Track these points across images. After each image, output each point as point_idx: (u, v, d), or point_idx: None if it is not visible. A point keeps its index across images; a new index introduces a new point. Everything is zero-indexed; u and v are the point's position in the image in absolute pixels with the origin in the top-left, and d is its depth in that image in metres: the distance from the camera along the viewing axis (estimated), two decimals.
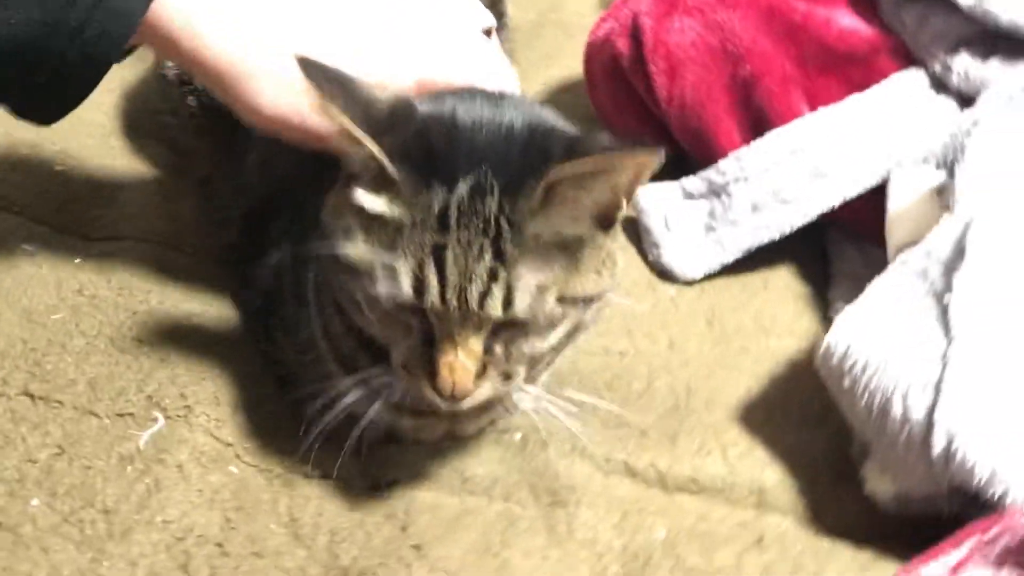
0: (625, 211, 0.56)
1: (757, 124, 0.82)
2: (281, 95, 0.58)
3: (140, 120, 0.88)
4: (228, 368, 0.66)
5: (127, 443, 0.60)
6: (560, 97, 1.02)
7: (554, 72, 1.05)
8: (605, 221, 0.55)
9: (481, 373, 0.53)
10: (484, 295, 0.50)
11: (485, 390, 0.54)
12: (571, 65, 1.02)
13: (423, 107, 0.55)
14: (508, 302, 0.51)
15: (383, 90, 0.54)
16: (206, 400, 0.63)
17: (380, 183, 0.52)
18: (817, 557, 0.60)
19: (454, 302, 0.50)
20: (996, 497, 0.55)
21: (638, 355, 0.75)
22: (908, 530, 0.61)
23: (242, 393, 0.66)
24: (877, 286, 0.66)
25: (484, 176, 0.51)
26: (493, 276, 0.50)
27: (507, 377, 0.55)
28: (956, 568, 0.41)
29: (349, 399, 0.59)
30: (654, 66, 0.83)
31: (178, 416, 0.62)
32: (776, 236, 0.79)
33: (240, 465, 0.61)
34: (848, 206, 0.79)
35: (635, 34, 0.85)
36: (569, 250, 0.53)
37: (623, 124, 0.90)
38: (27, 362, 0.63)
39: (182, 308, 0.70)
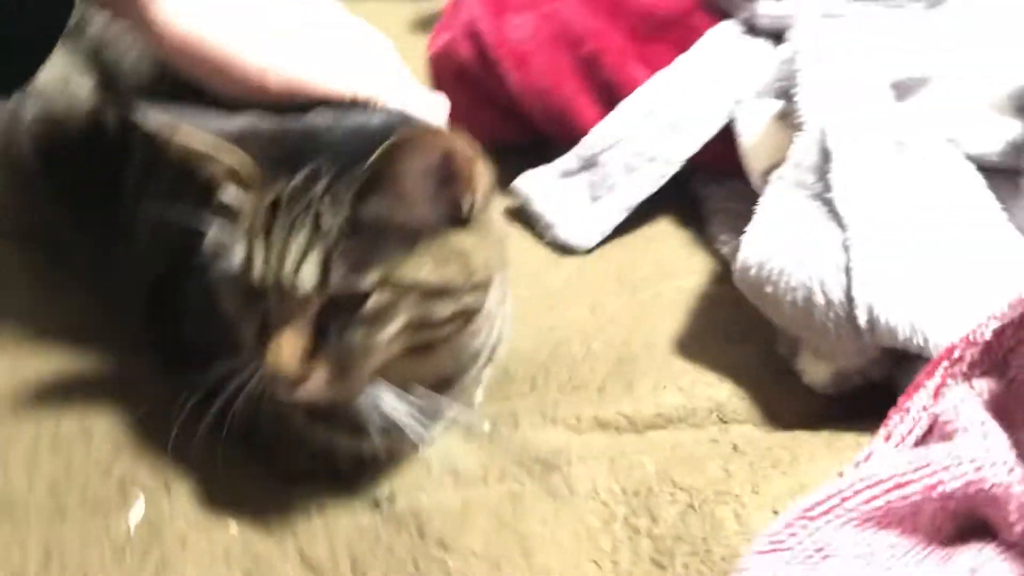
0: (479, 208, 0.57)
1: (609, 97, 0.89)
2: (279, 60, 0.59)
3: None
4: (188, 435, 0.64)
5: (117, 530, 0.57)
6: None
7: None
8: (454, 214, 0.56)
9: (309, 360, 0.52)
10: (297, 267, 0.51)
11: (317, 379, 0.53)
12: None
13: (287, 118, 0.57)
14: (323, 276, 0.51)
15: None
16: (180, 468, 0.61)
17: (239, 183, 0.54)
18: (788, 447, 0.66)
19: (270, 276, 0.52)
20: (919, 345, 0.63)
21: (567, 325, 0.79)
22: (848, 403, 0.70)
23: (211, 454, 0.64)
24: (765, 205, 0.73)
25: (320, 165, 0.53)
26: (309, 248, 0.51)
27: (344, 372, 0.54)
28: (936, 392, 0.47)
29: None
30: (503, 64, 0.89)
31: (159, 489, 0.59)
32: (653, 189, 0.86)
33: (237, 522, 0.60)
34: (706, 150, 0.87)
35: (475, 39, 0.90)
36: (402, 237, 0.53)
37: (480, 126, 0.93)
38: None
39: (111, 393, 0.67)
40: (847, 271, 0.65)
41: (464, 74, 0.92)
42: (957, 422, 0.45)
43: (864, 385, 0.70)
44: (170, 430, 0.61)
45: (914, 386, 0.49)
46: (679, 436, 0.69)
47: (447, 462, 0.67)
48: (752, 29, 0.91)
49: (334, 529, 0.61)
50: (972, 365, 0.48)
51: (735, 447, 0.67)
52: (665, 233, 0.89)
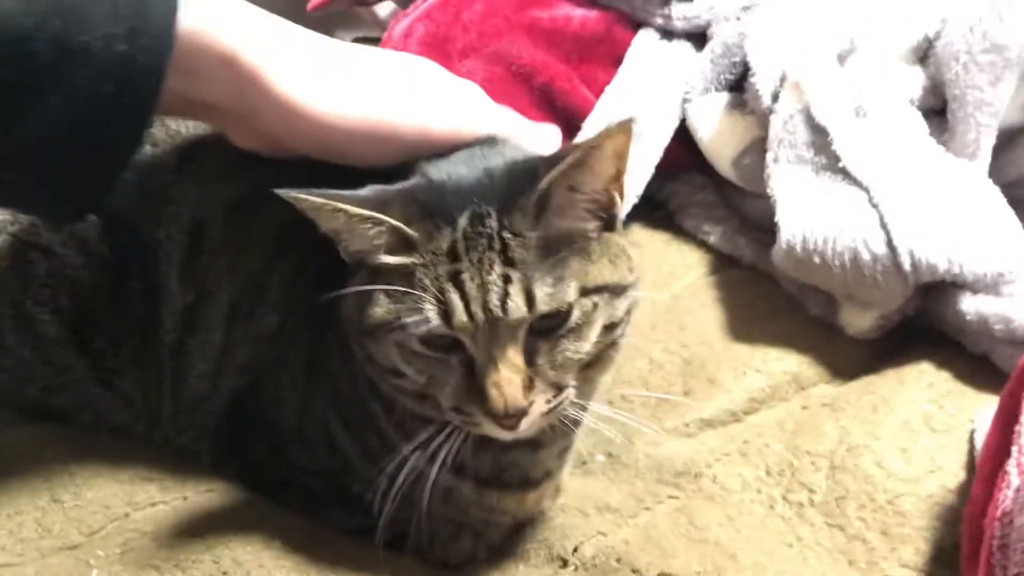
0: (621, 207, 0.61)
1: (570, 121, 0.92)
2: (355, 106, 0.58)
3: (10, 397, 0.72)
4: (362, 558, 0.60)
5: None
6: None
7: None
8: (606, 218, 0.59)
9: (529, 387, 0.54)
10: (504, 298, 0.52)
11: (538, 405, 0.54)
12: None
13: (409, 179, 0.57)
14: (530, 300, 0.53)
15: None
16: None
17: (395, 247, 0.54)
18: (870, 392, 0.73)
19: (480, 314, 0.52)
20: (956, 273, 0.73)
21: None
22: (886, 344, 0.79)
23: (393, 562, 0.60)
24: (778, 188, 0.80)
25: (478, 207, 0.54)
26: (507, 280, 0.52)
27: (557, 389, 0.55)
28: None
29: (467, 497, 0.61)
30: None
31: None
32: (634, 201, 0.90)
33: None
34: (671, 155, 0.92)
35: None
36: (577, 246, 0.55)
37: None
38: None
39: (257, 543, 0.61)
40: (883, 226, 0.74)
41: None
42: None
43: (897, 323, 0.79)
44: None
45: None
46: (776, 412, 0.74)
47: (596, 500, 0.68)
48: (668, 34, 0.98)
49: None
50: None
51: (831, 407, 0.73)
52: (645, 240, 0.94)
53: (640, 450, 0.72)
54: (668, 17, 0.97)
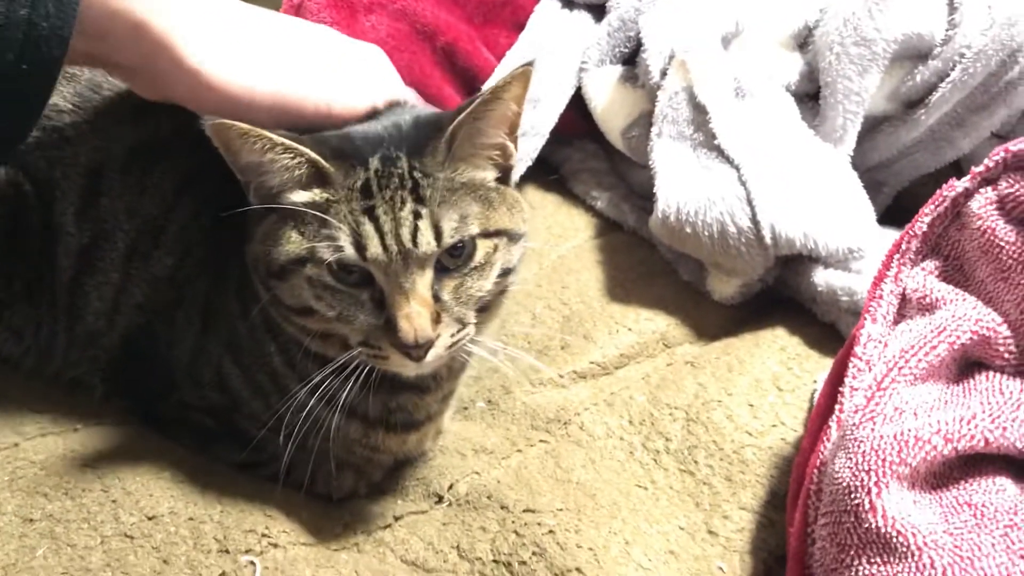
0: (515, 161, 0.66)
1: (469, 82, 0.95)
2: (263, 81, 0.60)
3: None
4: (245, 488, 0.64)
5: None
6: None
7: None
8: (503, 170, 0.64)
9: (437, 320, 0.58)
10: (415, 233, 0.56)
11: (444, 338, 0.59)
12: None
13: (318, 136, 0.60)
14: (438, 235, 0.57)
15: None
16: (267, 521, 0.61)
17: (310, 181, 0.58)
18: (729, 353, 0.80)
19: (393, 246, 0.56)
20: (811, 248, 0.80)
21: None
22: (747, 309, 0.86)
23: (276, 500, 0.64)
24: (659, 161, 0.86)
25: (388, 150, 0.59)
26: (418, 216, 0.57)
27: (460, 324, 0.60)
28: (896, 277, 0.63)
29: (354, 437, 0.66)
30: None
31: (265, 548, 0.59)
32: (530, 162, 0.95)
33: (339, 552, 0.62)
34: (566, 122, 0.97)
35: None
36: (479, 192, 0.61)
37: None
38: None
39: (142, 472, 0.64)
40: (749, 202, 0.80)
41: None
42: (933, 294, 0.61)
43: (758, 291, 0.86)
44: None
45: (879, 277, 0.64)
46: (644, 367, 0.81)
47: (473, 442, 0.73)
48: (570, 3, 1.02)
49: (422, 530, 0.65)
50: (916, 252, 0.64)
51: (692, 364, 0.80)
52: (537, 201, 0.99)
53: (517, 398, 0.77)
54: None
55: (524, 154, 0.94)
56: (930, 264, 0.64)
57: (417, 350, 0.57)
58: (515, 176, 0.93)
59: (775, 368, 0.79)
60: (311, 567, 0.58)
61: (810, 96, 0.94)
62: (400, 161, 0.58)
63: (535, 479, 0.69)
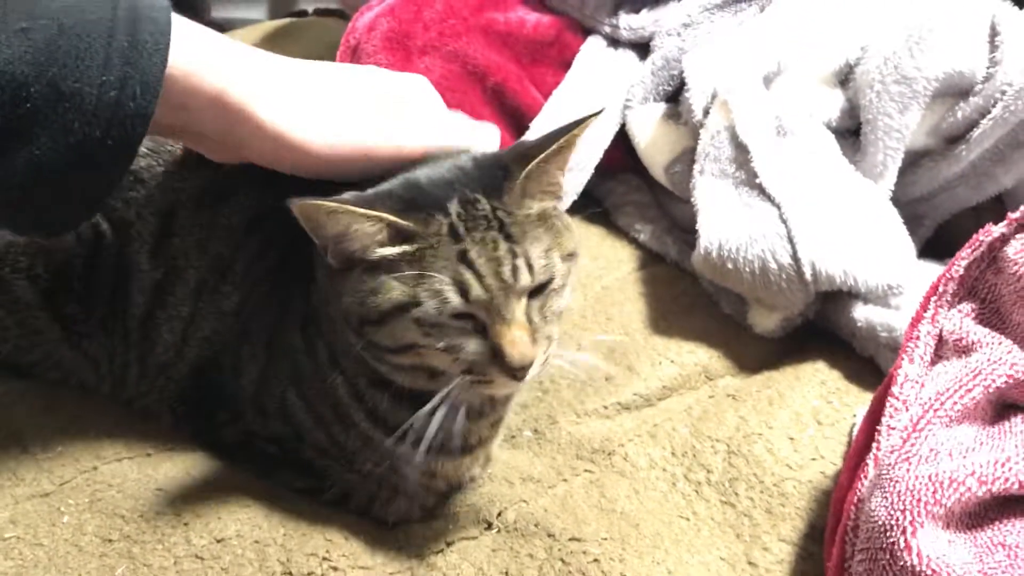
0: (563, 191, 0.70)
1: (517, 122, 0.99)
2: (333, 128, 0.64)
3: None
4: (306, 512, 0.68)
5: None
6: None
7: None
8: (556, 193, 0.68)
9: (534, 340, 0.62)
10: (514, 270, 0.60)
11: (540, 355, 0.63)
12: None
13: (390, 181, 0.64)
14: (531, 269, 0.61)
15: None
16: (326, 544, 0.65)
17: (393, 239, 0.60)
18: (769, 386, 0.82)
19: (494, 285, 0.60)
20: (851, 285, 0.82)
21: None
22: (788, 343, 0.88)
23: (336, 524, 0.68)
24: (702, 198, 0.88)
25: (464, 193, 0.62)
26: (514, 254, 0.61)
27: (548, 340, 0.64)
28: (933, 319, 0.65)
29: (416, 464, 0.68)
30: None
31: (326, 570, 0.63)
32: (575, 197, 0.98)
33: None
34: (609, 156, 1.00)
35: None
36: (548, 220, 0.65)
37: None
38: None
39: (211, 496, 0.68)
40: (790, 239, 0.83)
41: None
42: (969, 337, 0.63)
43: (800, 324, 0.88)
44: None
45: (916, 318, 0.66)
46: (685, 400, 0.83)
47: (521, 471, 0.76)
48: (615, 42, 1.05)
49: (472, 555, 0.68)
50: (953, 295, 0.66)
51: (734, 397, 0.82)
52: (582, 233, 1.01)
53: (563, 428, 0.80)
54: (615, 27, 1.04)
55: (570, 188, 0.98)
56: (967, 307, 0.66)
57: (522, 371, 0.61)
58: (561, 208, 0.97)
59: (815, 402, 0.81)
60: None
61: (851, 132, 0.96)
62: (481, 203, 0.61)
63: (580, 508, 0.72)
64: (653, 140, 0.99)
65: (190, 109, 0.59)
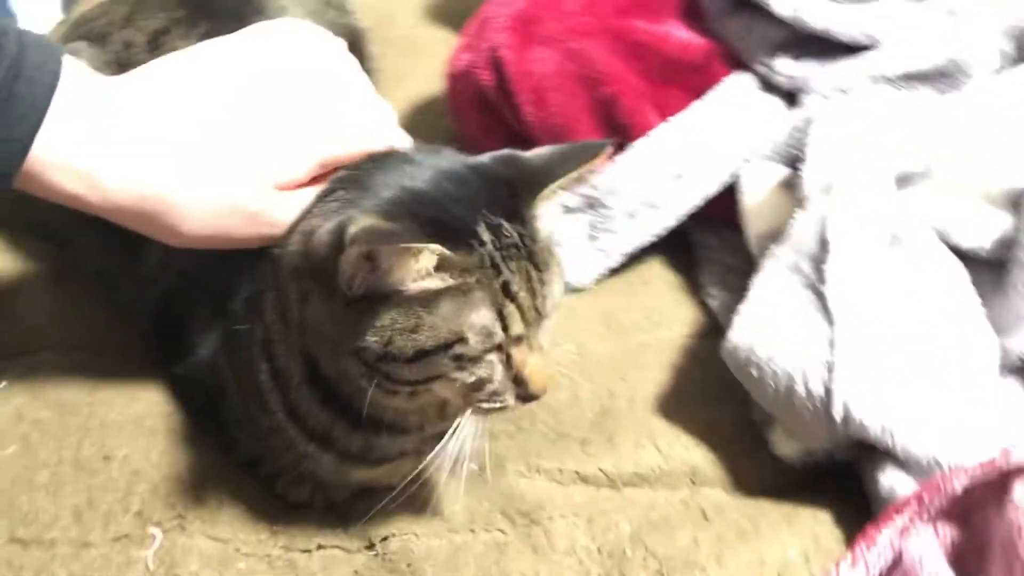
0: None
1: (621, 136, 0.91)
2: (204, 220, 0.60)
3: (11, 215, 0.84)
4: (198, 464, 0.68)
5: (135, 566, 0.61)
6: (416, 119, 1.06)
7: (401, 93, 1.08)
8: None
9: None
10: (544, 301, 0.59)
11: (552, 383, 0.61)
12: (415, 87, 1.07)
13: (386, 203, 0.58)
14: (553, 297, 0.60)
15: None
16: (193, 503, 0.65)
17: (436, 271, 0.55)
18: (752, 517, 0.72)
19: (533, 317, 0.58)
20: (888, 445, 0.69)
21: (556, 365, 0.83)
22: (811, 477, 0.75)
23: (220, 487, 0.68)
24: (759, 284, 0.77)
25: (488, 217, 0.57)
26: (542, 283, 0.59)
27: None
28: (903, 531, 0.53)
29: (327, 469, 0.66)
30: (520, 96, 0.90)
31: (173, 527, 0.63)
32: (652, 239, 0.90)
33: (245, 559, 0.64)
34: (711, 205, 0.90)
35: (497, 67, 0.91)
36: (551, 244, 0.62)
37: (491, 148, 0.96)
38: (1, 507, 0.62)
39: (129, 413, 0.70)
40: (829, 367, 0.70)
41: (482, 99, 0.93)
42: (921, 573, 0.50)
43: (828, 461, 0.75)
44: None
45: (884, 518, 0.54)
46: (655, 496, 0.74)
47: (441, 504, 0.72)
48: (768, 85, 0.93)
49: (333, 569, 0.66)
50: (939, 511, 0.53)
51: (704, 514, 0.72)
52: (655, 276, 0.93)
53: (507, 475, 0.74)
54: (771, 69, 0.92)
55: (646, 228, 0.89)
56: (947, 531, 0.53)
57: (540, 397, 0.60)
58: (631, 248, 0.89)
59: (792, 556, 0.69)
60: (200, 561, 0.62)
61: (1001, 264, 0.79)
62: (505, 228, 0.58)
63: (465, 567, 0.67)
64: (759, 204, 0.87)
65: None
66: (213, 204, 0.59)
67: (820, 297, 0.74)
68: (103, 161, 0.57)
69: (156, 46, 0.78)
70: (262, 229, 0.61)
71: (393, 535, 0.68)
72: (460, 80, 0.95)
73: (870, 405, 0.69)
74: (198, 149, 0.60)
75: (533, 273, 0.58)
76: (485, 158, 0.64)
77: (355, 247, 0.52)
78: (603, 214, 0.90)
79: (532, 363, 0.59)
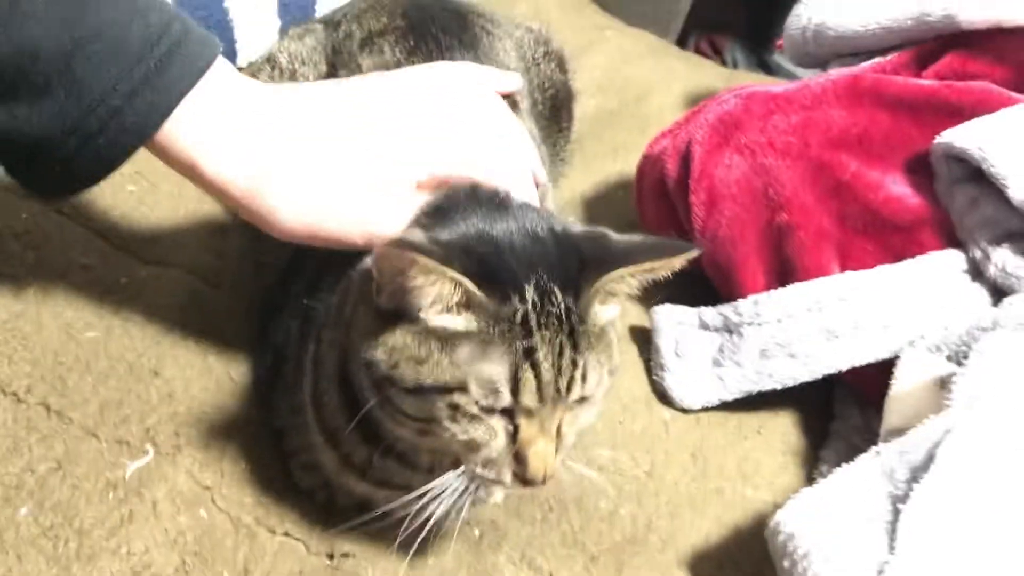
0: None
1: (783, 272, 0.83)
2: (299, 215, 0.62)
3: None
4: (227, 413, 0.72)
5: (116, 471, 0.66)
6: (614, 193, 1.05)
7: (617, 166, 1.08)
8: (621, 299, 0.60)
9: (556, 452, 0.57)
10: (570, 384, 0.55)
11: (558, 473, 0.57)
12: (635, 161, 1.05)
13: (452, 233, 0.58)
14: (584, 384, 0.56)
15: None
16: (197, 441, 0.69)
17: (460, 305, 0.55)
18: None
19: (550, 394, 0.54)
20: None
21: (616, 472, 0.77)
22: None
23: (234, 440, 0.71)
24: (843, 472, 0.67)
25: (542, 279, 0.55)
26: (575, 365, 0.55)
27: (566, 451, 0.59)
28: None
29: (329, 467, 0.67)
30: (695, 196, 0.86)
31: (167, 452, 0.67)
32: (778, 387, 0.80)
33: (212, 510, 0.66)
34: (855, 371, 0.79)
35: (686, 158, 0.87)
36: (607, 332, 0.58)
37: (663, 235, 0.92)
38: (53, 375, 0.69)
39: (202, 345, 0.76)
40: None
41: (663, 188, 0.90)
42: None
43: None
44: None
45: None
46: None
47: (417, 551, 0.69)
48: (977, 272, 0.80)
49: (283, 556, 0.66)
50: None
51: None
52: (775, 430, 0.83)
53: (500, 556, 0.70)
54: (987, 258, 0.78)
55: (775, 374, 0.80)
56: None
57: (539, 485, 0.57)
58: (751, 387, 0.81)
59: None
60: (168, 492, 0.65)
61: None
62: (556, 297, 0.55)
63: None
64: (907, 394, 0.74)
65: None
66: (308, 199, 0.62)
67: (895, 515, 0.62)
68: (226, 139, 0.61)
69: (367, 43, 0.85)
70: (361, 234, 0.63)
71: (354, 556, 0.67)
72: (650, 164, 0.92)
73: None
74: (316, 147, 0.63)
75: (567, 351, 0.54)
76: (576, 228, 0.62)
77: (388, 247, 0.53)
78: (736, 342, 0.82)
79: (540, 446, 0.55)
